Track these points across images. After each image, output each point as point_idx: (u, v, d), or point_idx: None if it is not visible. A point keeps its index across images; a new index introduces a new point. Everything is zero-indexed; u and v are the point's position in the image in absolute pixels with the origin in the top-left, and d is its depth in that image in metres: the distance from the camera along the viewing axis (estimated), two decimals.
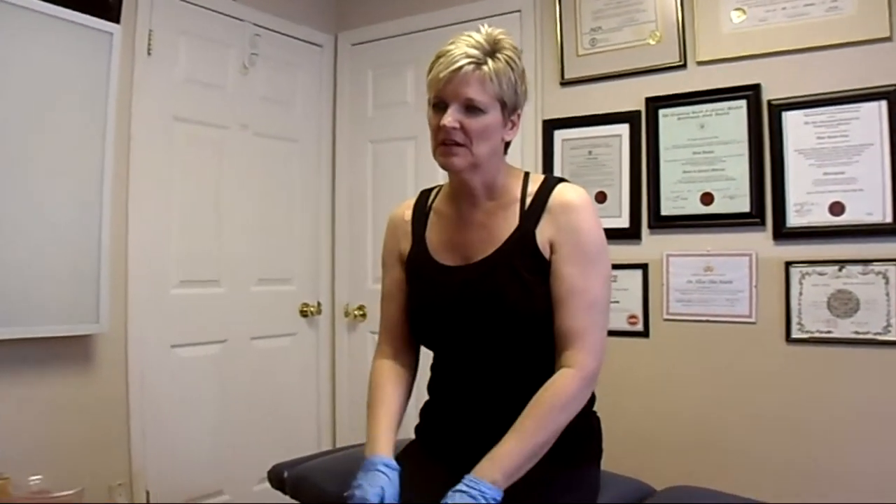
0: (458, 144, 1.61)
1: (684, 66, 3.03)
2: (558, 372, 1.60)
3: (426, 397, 1.88)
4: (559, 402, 1.56)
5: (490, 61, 1.59)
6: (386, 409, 1.73)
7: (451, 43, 1.62)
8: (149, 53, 3.13)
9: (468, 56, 1.58)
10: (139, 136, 3.09)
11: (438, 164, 1.66)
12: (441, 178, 3.10)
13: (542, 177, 1.75)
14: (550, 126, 3.33)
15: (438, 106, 1.63)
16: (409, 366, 1.84)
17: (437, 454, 1.77)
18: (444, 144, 1.62)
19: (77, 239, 2.79)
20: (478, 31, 1.63)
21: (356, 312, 3.88)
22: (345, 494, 1.57)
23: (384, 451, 1.64)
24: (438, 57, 1.62)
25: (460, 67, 1.57)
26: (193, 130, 3.34)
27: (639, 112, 3.12)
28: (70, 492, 1.28)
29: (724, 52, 2.94)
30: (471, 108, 1.59)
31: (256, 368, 3.62)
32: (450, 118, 1.59)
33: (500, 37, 1.64)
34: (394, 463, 1.62)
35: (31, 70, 2.64)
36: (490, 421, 1.64)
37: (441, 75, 1.59)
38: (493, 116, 1.62)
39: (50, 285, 2.69)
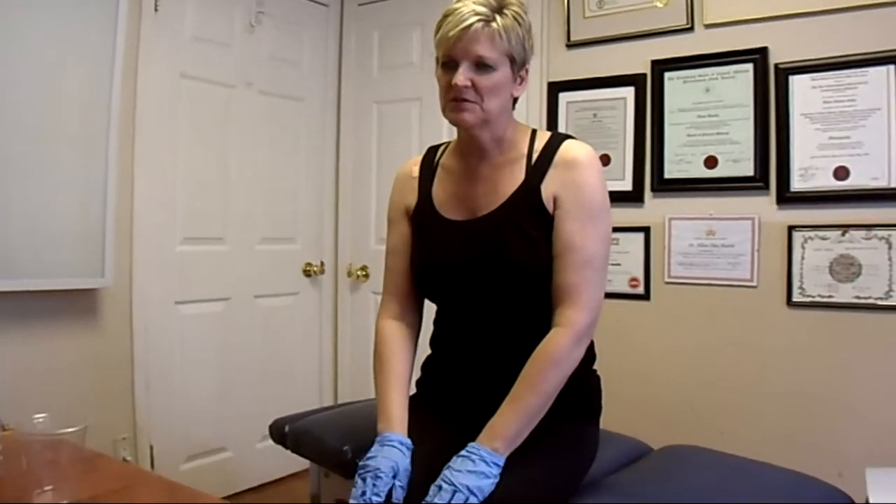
0: (469, 101, 1.61)
1: (691, 28, 3.01)
2: (551, 331, 1.61)
3: (428, 351, 1.90)
4: (551, 362, 1.58)
5: (498, 17, 1.59)
6: (397, 378, 1.74)
7: (458, 1, 1.62)
8: (156, 10, 3.11)
9: (476, 13, 1.58)
10: (145, 94, 3.09)
11: (449, 120, 1.67)
12: (445, 139, 3.09)
13: (549, 133, 1.76)
14: (555, 88, 3.32)
15: (448, 65, 1.63)
16: (413, 324, 1.85)
17: (440, 409, 1.80)
18: (455, 101, 1.62)
19: (83, 194, 2.80)
20: None
21: (359, 272, 3.89)
22: (359, 462, 1.59)
23: (399, 428, 1.65)
24: (446, 16, 1.62)
25: (470, 25, 1.57)
26: (199, 88, 3.34)
27: (644, 75, 3.11)
28: (73, 429, 1.30)
29: (732, 15, 2.91)
30: (481, 66, 1.60)
31: (259, 326, 3.64)
32: (461, 77, 1.59)
33: None
34: (409, 441, 1.63)
35: (37, 28, 2.63)
36: (493, 376, 1.67)
37: (451, 34, 1.59)
38: (503, 73, 1.62)
39: (56, 239, 2.71)
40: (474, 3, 1.59)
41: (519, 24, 1.62)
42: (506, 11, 1.61)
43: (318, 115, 3.93)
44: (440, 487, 1.47)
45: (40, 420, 1.38)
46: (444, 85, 1.65)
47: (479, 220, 1.71)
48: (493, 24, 1.58)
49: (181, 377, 3.29)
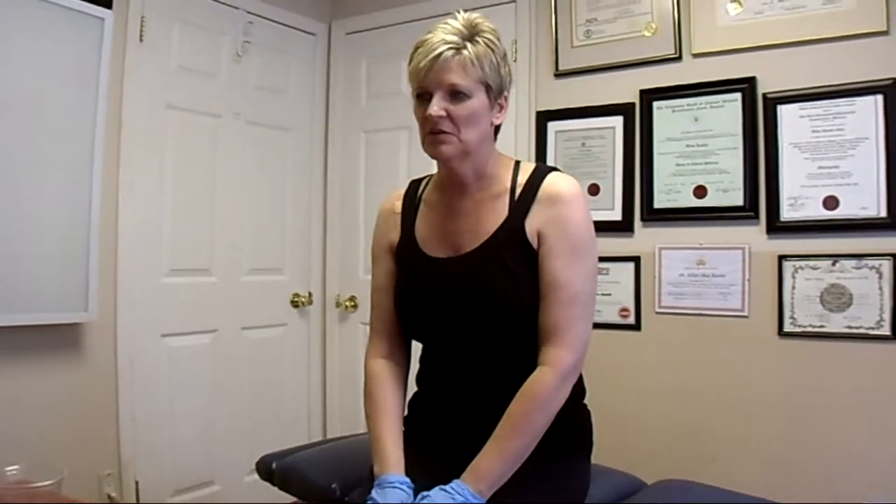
0: (445, 133, 1.59)
1: (679, 58, 3.01)
2: (536, 370, 1.59)
3: (414, 388, 1.88)
4: (536, 402, 1.56)
5: (469, 45, 1.57)
6: (389, 419, 1.71)
7: (429, 32, 1.61)
8: (141, 40, 3.10)
9: (447, 42, 1.56)
10: (130, 124, 3.07)
11: (428, 154, 1.64)
12: (433, 169, 3.09)
13: (533, 165, 1.73)
14: (544, 117, 3.32)
15: (423, 97, 1.60)
16: (402, 363, 1.83)
17: (426, 446, 1.76)
18: (431, 134, 1.60)
19: (66, 226, 2.77)
20: (454, 17, 1.62)
21: (347, 303, 3.86)
22: None
23: (397, 469, 1.63)
24: (417, 48, 1.61)
25: (440, 54, 1.55)
26: (185, 118, 3.32)
27: (633, 104, 3.11)
28: (48, 482, 1.25)
29: (719, 45, 2.92)
30: (455, 95, 1.57)
31: (247, 359, 3.60)
32: (435, 107, 1.56)
33: (478, 20, 1.62)
34: (408, 480, 1.60)
35: (22, 55, 2.61)
36: (478, 413, 1.64)
37: (421, 65, 1.57)
38: (479, 100, 1.60)
39: (38, 273, 2.68)
40: (444, 32, 1.58)
41: (492, 50, 1.60)
42: (477, 39, 1.59)
43: (305, 145, 3.91)
44: None
45: (13, 472, 1.33)
46: (420, 118, 1.62)
47: (462, 257, 1.69)
48: (465, 52, 1.56)
49: (167, 411, 3.24)
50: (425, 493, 1.53)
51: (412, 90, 1.64)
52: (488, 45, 1.60)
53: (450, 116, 1.57)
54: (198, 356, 3.39)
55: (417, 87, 1.61)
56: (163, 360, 3.23)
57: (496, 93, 1.64)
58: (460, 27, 1.59)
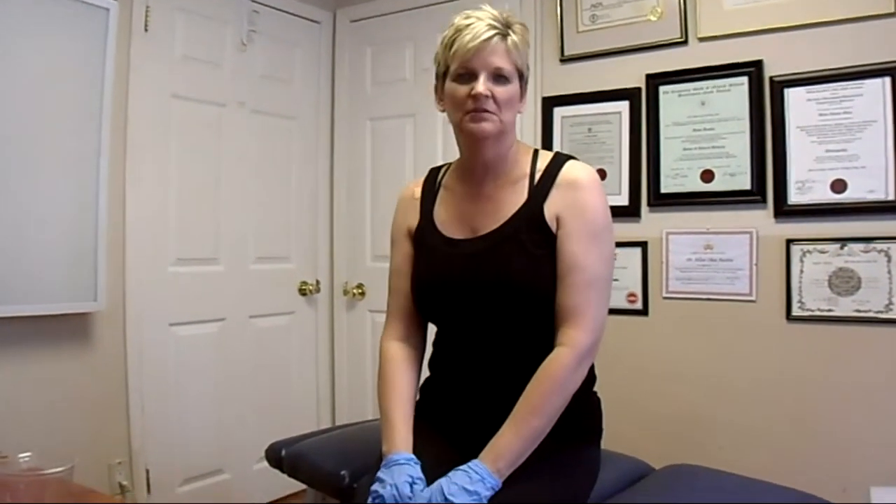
0: (489, 112, 1.64)
1: (685, 42, 3.00)
2: (553, 351, 1.61)
3: (427, 373, 1.88)
4: (554, 384, 1.58)
5: (511, 33, 1.66)
6: (402, 400, 1.74)
7: (468, 18, 1.67)
8: (146, 30, 3.10)
9: (493, 28, 1.64)
10: (136, 114, 3.07)
11: (466, 132, 1.68)
12: (440, 156, 3.08)
13: (551, 153, 1.77)
14: (550, 103, 3.30)
15: (464, 77, 1.65)
16: (418, 346, 1.85)
17: (440, 430, 1.78)
18: (475, 111, 1.65)
19: (74, 217, 2.78)
20: (481, 9, 1.68)
21: (355, 291, 3.86)
22: (371, 488, 1.58)
23: (405, 448, 1.64)
24: (459, 29, 1.66)
25: (490, 38, 1.63)
26: (191, 108, 3.32)
27: (639, 89, 3.09)
28: (60, 469, 1.26)
29: (725, 28, 2.90)
30: (498, 77, 1.64)
31: (255, 347, 3.61)
32: (482, 87, 1.62)
33: (507, 13, 1.70)
34: (415, 458, 1.62)
35: (27, 46, 2.61)
36: (493, 396, 1.66)
37: (470, 45, 1.63)
38: (515, 86, 1.69)
39: (47, 263, 2.69)
40: (489, 18, 1.65)
41: (526, 42, 1.70)
42: (515, 29, 1.67)
43: (311, 133, 3.91)
44: (429, 497, 1.50)
45: (26, 459, 1.34)
46: (460, 96, 1.66)
47: (480, 238, 1.71)
48: (510, 39, 1.65)
49: (177, 399, 3.26)
50: (441, 479, 1.53)
51: (451, 71, 1.68)
52: (523, 36, 1.69)
53: (493, 97, 1.63)
54: (206, 345, 3.40)
55: (461, 66, 1.65)
56: (171, 349, 3.25)
57: (525, 82, 1.72)
58: (498, 16, 1.67)
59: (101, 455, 2.94)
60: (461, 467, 1.54)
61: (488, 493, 1.50)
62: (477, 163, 1.74)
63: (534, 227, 1.66)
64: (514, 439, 1.56)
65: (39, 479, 1.27)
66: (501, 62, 1.63)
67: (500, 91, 1.64)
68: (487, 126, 1.64)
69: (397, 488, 1.53)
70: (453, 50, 1.66)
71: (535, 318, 1.66)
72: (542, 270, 1.64)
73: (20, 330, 2.67)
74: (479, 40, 1.62)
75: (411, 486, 1.54)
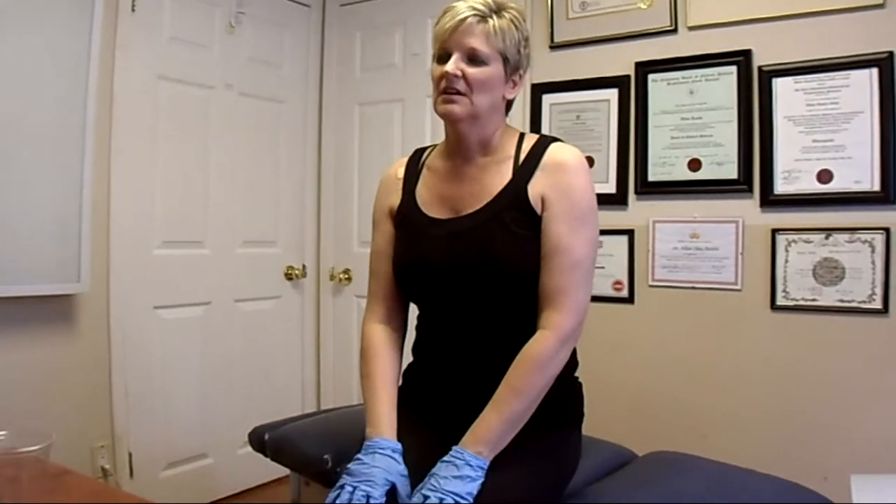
0: (458, 93, 1.63)
1: (675, 30, 3.00)
2: (536, 334, 1.61)
3: (410, 358, 1.87)
4: (536, 365, 1.57)
5: (495, 17, 1.64)
6: (384, 383, 1.72)
7: (456, 1, 1.67)
8: (133, 10, 3.07)
9: (473, 10, 1.63)
10: (122, 95, 3.05)
11: (438, 113, 1.68)
12: (428, 141, 3.06)
13: (536, 136, 1.76)
14: (539, 90, 3.30)
15: (442, 58, 1.65)
16: (399, 328, 1.84)
17: (423, 414, 1.78)
18: (445, 93, 1.64)
19: (58, 198, 2.75)
20: None
21: (341, 276, 3.86)
22: (348, 466, 1.57)
23: (389, 433, 1.63)
24: (444, 13, 1.66)
25: (465, 18, 1.62)
26: (178, 90, 3.30)
27: (628, 77, 3.09)
28: (35, 447, 1.25)
29: (715, 18, 2.90)
30: (473, 59, 1.63)
31: (241, 331, 3.60)
32: (452, 65, 1.62)
33: (505, 0, 1.68)
34: (399, 446, 1.61)
35: (10, 29, 2.58)
36: (476, 379, 1.65)
37: (447, 26, 1.63)
38: (495, 69, 1.65)
39: (31, 244, 2.66)
40: (473, 2, 1.64)
41: (516, 27, 1.67)
42: (504, 14, 1.65)
43: (299, 117, 3.89)
44: (426, 497, 1.46)
45: (1, 439, 1.32)
46: (436, 77, 1.66)
47: (463, 217, 1.70)
48: (490, 21, 1.63)
49: (160, 383, 3.24)
50: (429, 479, 1.51)
51: (433, 54, 1.68)
52: (513, 22, 1.66)
53: (465, 77, 1.62)
54: (191, 328, 3.39)
55: (439, 48, 1.66)
56: (155, 332, 3.23)
57: (512, 68, 1.68)
58: (489, 1, 1.65)
59: (83, 438, 2.93)
60: (444, 458, 1.52)
61: (479, 473, 1.50)
62: (459, 144, 1.73)
63: (517, 207, 1.65)
64: (495, 422, 1.55)
65: (13, 457, 1.25)
66: (476, 43, 1.61)
67: (473, 72, 1.62)
68: (455, 108, 1.63)
69: (368, 497, 1.49)
70: (435, 31, 1.67)
71: (517, 299, 1.65)
72: (526, 250, 1.63)
73: (2, 311, 2.65)
74: (454, 20, 1.62)
75: (386, 485, 1.52)
